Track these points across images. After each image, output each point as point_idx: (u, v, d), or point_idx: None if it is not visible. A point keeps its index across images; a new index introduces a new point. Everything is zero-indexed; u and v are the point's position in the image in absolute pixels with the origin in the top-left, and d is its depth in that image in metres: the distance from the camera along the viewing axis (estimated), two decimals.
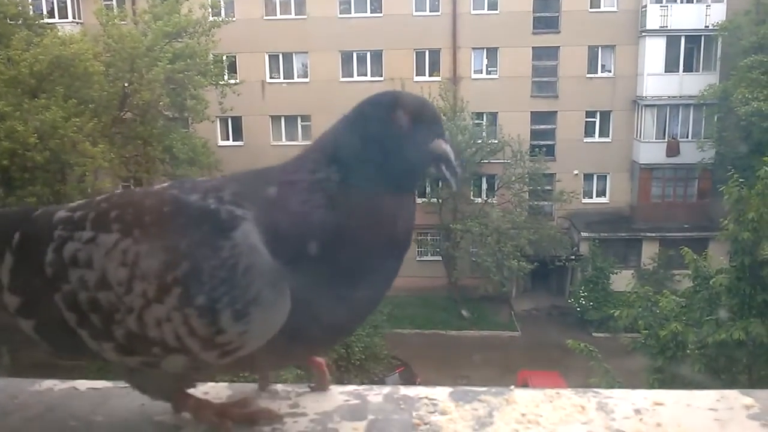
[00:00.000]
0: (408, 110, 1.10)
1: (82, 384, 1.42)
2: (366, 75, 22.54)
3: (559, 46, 22.05)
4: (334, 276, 1.06)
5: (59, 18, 20.59)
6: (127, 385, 1.32)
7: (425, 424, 1.25)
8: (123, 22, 17.37)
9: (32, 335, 1.15)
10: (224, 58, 19.71)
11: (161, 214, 1.08)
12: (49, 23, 18.28)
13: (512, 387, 1.36)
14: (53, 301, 1.10)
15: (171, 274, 1.03)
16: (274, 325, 1.05)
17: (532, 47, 22.11)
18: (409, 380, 16.40)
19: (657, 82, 21.44)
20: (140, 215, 1.09)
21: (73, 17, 21.27)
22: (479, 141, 20.85)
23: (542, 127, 22.51)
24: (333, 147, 1.11)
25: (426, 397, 1.33)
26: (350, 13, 22.28)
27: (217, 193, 1.09)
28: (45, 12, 19.88)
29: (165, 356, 1.08)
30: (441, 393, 1.34)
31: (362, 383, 1.45)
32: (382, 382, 16.18)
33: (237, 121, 22.53)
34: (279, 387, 1.35)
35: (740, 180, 12.63)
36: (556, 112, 22.53)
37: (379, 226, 1.08)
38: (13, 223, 1.20)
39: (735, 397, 1.31)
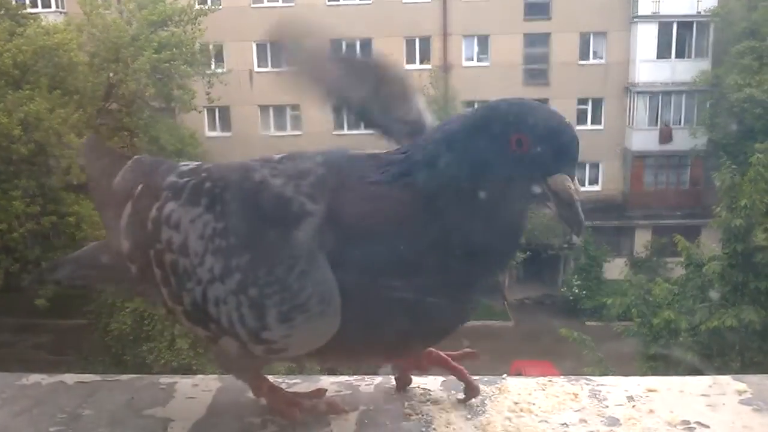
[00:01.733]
0: (531, 130, 1.00)
1: (70, 378, 1.43)
2: None
3: (550, 33, 21.91)
4: (403, 293, 1.03)
5: (42, 8, 20.30)
6: (115, 378, 1.42)
7: (417, 413, 1.26)
8: (107, 11, 17.13)
9: (135, 277, 1.22)
10: (211, 47, 19.50)
11: (242, 195, 1.11)
12: (32, 13, 18.00)
13: (505, 375, 1.37)
14: (148, 255, 1.16)
15: (235, 258, 1.06)
16: (318, 337, 1.05)
17: (524, 34, 21.98)
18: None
19: (649, 68, 21.35)
20: (224, 192, 1.12)
21: (57, 7, 20.96)
22: None
23: None
24: (432, 151, 1.05)
25: (418, 387, 1.34)
26: (339, 0, 22.05)
27: (299, 180, 1.08)
28: (28, 2, 19.58)
29: (221, 336, 1.11)
30: (433, 382, 1.36)
31: (354, 373, 1.45)
32: (373, 372, 16.13)
33: (225, 111, 22.31)
34: (270, 378, 1.34)
35: (733, 167, 12.61)
36: (548, 99, 22.36)
37: (467, 255, 1.03)
38: (142, 174, 1.26)
39: (727, 382, 1.34)
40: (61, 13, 20.63)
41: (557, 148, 1.00)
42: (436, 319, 1.10)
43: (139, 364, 13.57)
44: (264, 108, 22.65)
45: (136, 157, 1.35)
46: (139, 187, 1.24)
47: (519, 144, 0.99)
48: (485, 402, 1.29)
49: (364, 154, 1.19)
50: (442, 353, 1.32)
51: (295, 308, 1.02)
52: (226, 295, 1.06)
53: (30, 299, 13.93)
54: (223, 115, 22.58)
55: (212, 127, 22.54)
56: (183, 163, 1.25)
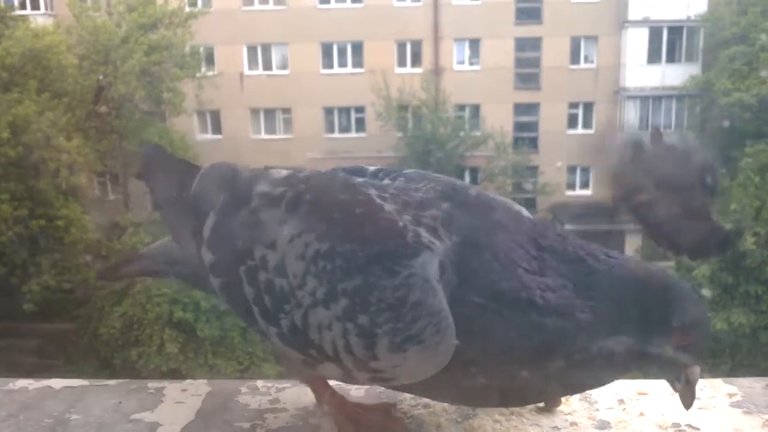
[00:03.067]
0: (696, 327, 1.03)
1: (57, 382, 1.42)
2: (347, 66, 22.30)
3: (541, 37, 21.95)
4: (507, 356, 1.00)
5: (31, 9, 20.14)
6: (103, 382, 1.39)
7: (408, 417, 1.26)
8: (97, 14, 17.08)
9: (218, 292, 1.17)
10: (201, 49, 19.42)
11: (350, 217, 1.05)
12: (21, 15, 17.90)
13: None
14: (238, 271, 1.10)
15: (342, 283, 1.00)
16: (430, 368, 1.00)
17: (515, 38, 22.00)
18: None
19: (640, 72, 21.44)
20: (330, 211, 1.06)
21: (46, 9, 20.81)
22: (462, 133, 20.71)
23: (525, 119, 22.44)
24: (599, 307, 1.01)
25: (414, 397, 1.31)
26: (330, 4, 22.02)
27: (418, 211, 1.04)
28: (16, 3, 19.45)
29: (321, 361, 1.06)
30: None
31: None
32: None
33: (215, 115, 22.22)
34: (259, 383, 1.35)
35: (722, 171, 12.66)
36: (539, 103, 22.46)
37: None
38: (223, 182, 1.20)
39: (718, 385, 1.35)
40: (50, 15, 20.48)
41: (703, 345, 1.04)
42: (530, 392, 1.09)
43: (128, 369, 13.49)
44: (254, 111, 22.58)
45: (212, 163, 1.29)
46: (223, 198, 1.17)
47: (680, 338, 1.02)
48: (479, 410, 1.28)
49: (511, 209, 1.12)
50: None
51: (409, 339, 0.97)
52: (330, 321, 1.01)
53: (18, 303, 13.82)
54: (213, 118, 22.48)
55: (203, 130, 22.43)
56: (274, 170, 1.19)
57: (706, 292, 11.77)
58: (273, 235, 1.07)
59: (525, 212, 1.13)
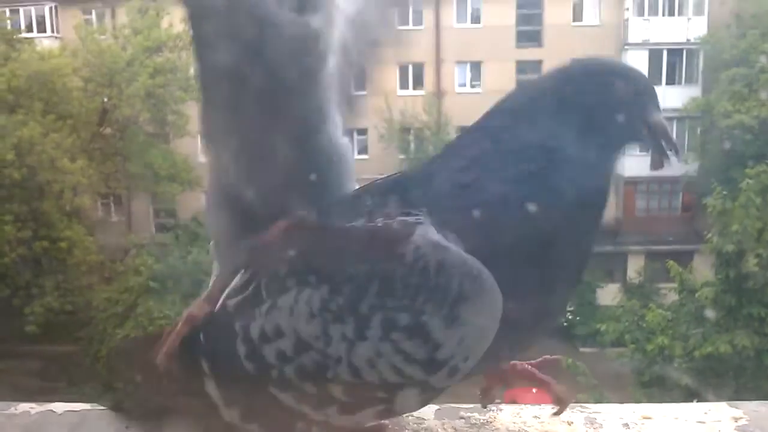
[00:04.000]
0: (627, 80, 1.06)
1: (60, 407, 1.41)
2: None
3: (542, 60, 22.08)
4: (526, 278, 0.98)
5: (38, 32, 20.31)
6: (104, 407, 1.31)
7: None
8: (102, 37, 17.24)
9: (240, 425, 1.09)
10: None
11: (330, 251, 1.02)
12: (27, 38, 18.09)
13: (498, 401, 1.35)
14: (270, 394, 1.03)
15: (363, 303, 0.95)
16: (490, 322, 0.95)
17: (516, 61, 22.15)
18: None
19: None
20: (308, 260, 1.03)
21: (52, 32, 20.99)
22: None
23: None
24: (532, 122, 1.03)
25: (411, 415, 1.30)
26: None
27: (382, 209, 1.02)
28: (23, 27, 19.65)
29: (394, 396, 0.99)
30: (427, 411, 1.32)
31: None
32: None
33: None
34: None
35: (724, 193, 12.67)
36: None
37: (587, 225, 1.04)
38: (197, 340, 1.11)
39: (723, 409, 1.34)
40: (56, 38, 20.67)
41: (646, 88, 1.09)
42: (541, 318, 1.05)
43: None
44: None
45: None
46: (203, 362, 1.10)
47: (621, 92, 1.05)
48: (480, 431, 1.27)
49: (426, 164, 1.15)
50: (526, 364, 1.25)
51: (455, 303, 0.93)
52: (376, 347, 0.95)
53: (20, 325, 13.82)
54: None
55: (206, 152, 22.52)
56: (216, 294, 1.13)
57: (710, 314, 11.71)
58: (273, 324, 1.02)
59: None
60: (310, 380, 1.00)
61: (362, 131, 22.03)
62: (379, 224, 0.99)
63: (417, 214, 0.98)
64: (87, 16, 20.20)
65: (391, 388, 0.98)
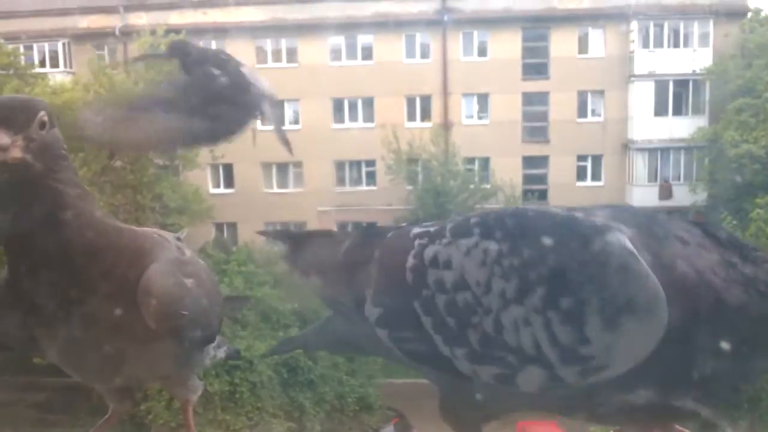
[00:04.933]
0: None
1: None
2: (357, 121, 22.64)
3: (548, 92, 22.26)
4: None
5: (51, 67, 20.70)
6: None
7: None
8: (114, 72, 17.45)
9: (388, 343, 1.16)
10: None
11: (526, 218, 1.06)
12: (40, 72, 18.37)
13: None
14: (412, 307, 1.09)
15: (534, 271, 0.97)
16: (645, 344, 0.92)
17: (522, 93, 22.32)
18: (405, 431, 15.99)
19: (647, 125, 21.61)
20: (502, 220, 1.08)
21: (65, 66, 21.38)
22: (471, 186, 20.83)
23: (534, 171, 22.55)
24: None
25: None
26: (341, 61, 22.50)
27: (587, 213, 1.03)
28: (36, 62, 20.00)
29: (521, 368, 1.00)
30: None
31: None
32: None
33: (228, 169, 22.48)
34: None
35: (733, 222, 12.60)
36: (548, 156, 22.62)
37: None
38: (372, 242, 1.23)
39: None
40: (68, 72, 21.03)
41: None
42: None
43: (137, 424, 13.33)
44: (267, 165, 22.82)
45: (350, 242, 1.32)
46: (378, 252, 1.22)
47: None
48: None
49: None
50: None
51: (620, 310, 0.91)
52: (527, 315, 0.97)
53: (27, 357, 13.77)
54: (226, 172, 22.74)
55: (216, 184, 22.67)
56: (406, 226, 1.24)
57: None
58: (447, 255, 1.07)
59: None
60: (454, 316, 1.04)
61: (371, 162, 22.17)
62: (579, 215, 1.02)
63: (622, 228, 0.99)
64: (99, 52, 20.58)
65: (523, 358, 0.99)
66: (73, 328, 1.27)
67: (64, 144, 1.30)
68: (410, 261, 1.12)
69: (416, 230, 1.18)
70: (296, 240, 1.41)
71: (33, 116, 1.24)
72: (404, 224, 1.30)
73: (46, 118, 1.24)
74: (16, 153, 1.17)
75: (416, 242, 1.14)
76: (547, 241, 0.98)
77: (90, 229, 1.26)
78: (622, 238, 0.95)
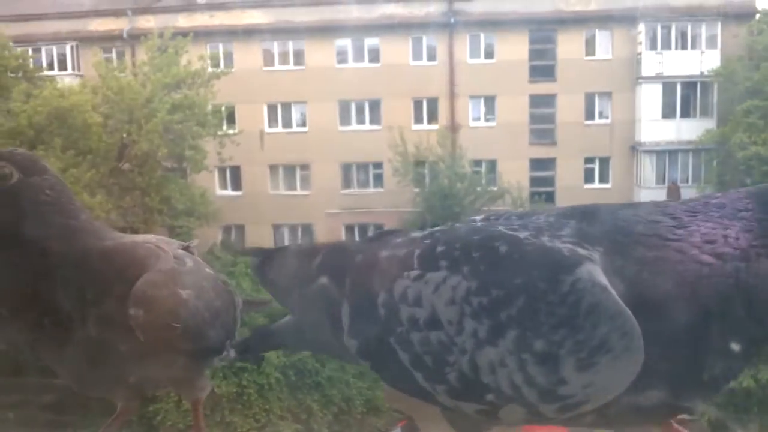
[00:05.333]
0: None
1: None
2: (364, 123, 22.68)
3: (556, 94, 22.23)
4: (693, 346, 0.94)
5: (59, 70, 20.80)
6: None
7: None
8: (122, 74, 17.54)
9: (373, 367, 1.15)
10: (223, 108, 19.85)
11: (492, 250, 1.01)
12: (48, 75, 18.48)
13: None
14: (389, 343, 1.07)
15: (504, 312, 0.95)
16: (623, 379, 0.92)
17: (529, 95, 22.30)
18: None
19: (655, 127, 21.56)
20: (468, 251, 1.03)
21: (73, 69, 21.48)
22: (478, 188, 20.82)
23: (542, 174, 22.53)
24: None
25: None
26: (348, 63, 22.54)
27: (552, 232, 1.00)
28: (45, 65, 20.12)
29: (501, 405, 1.00)
30: None
31: None
32: None
33: (235, 171, 22.53)
34: None
35: None
36: (555, 158, 22.59)
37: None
38: (342, 267, 1.18)
39: None
40: (76, 75, 21.13)
41: None
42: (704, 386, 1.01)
43: (145, 426, 13.37)
44: (274, 168, 22.90)
45: (324, 251, 1.27)
46: (348, 282, 1.17)
47: None
48: None
49: (613, 205, 1.09)
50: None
51: (595, 350, 0.90)
52: (502, 357, 0.95)
53: (36, 359, 13.83)
54: (233, 175, 22.80)
55: (223, 186, 22.73)
56: (390, 236, 1.20)
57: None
58: (415, 292, 1.04)
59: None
60: (430, 354, 1.02)
61: (378, 165, 22.19)
62: (549, 243, 0.98)
63: (590, 250, 0.96)
64: (107, 55, 20.67)
65: (502, 397, 0.98)
66: (69, 343, 1.28)
67: (47, 190, 1.26)
68: (381, 297, 1.08)
69: (384, 253, 1.12)
70: (265, 254, 1.38)
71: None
72: (373, 237, 1.24)
73: (7, 170, 1.22)
74: None
75: (385, 272, 1.10)
76: (516, 280, 0.95)
77: (76, 249, 1.25)
78: (592, 271, 0.93)
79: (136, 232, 19.30)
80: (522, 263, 0.97)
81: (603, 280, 0.92)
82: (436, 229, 1.16)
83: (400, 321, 1.05)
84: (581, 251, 0.95)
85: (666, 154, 21.85)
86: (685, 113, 21.73)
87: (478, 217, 1.17)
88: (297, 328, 1.36)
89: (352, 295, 1.14)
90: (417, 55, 22.53)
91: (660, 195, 21.71)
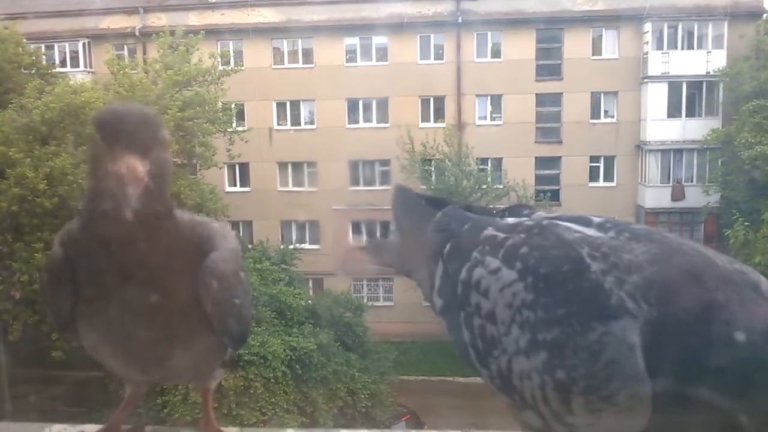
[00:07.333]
0: None
1: (91, 428, 1.46)
2: (372, 122, 22.84)
3: (562, 93, 22.31)
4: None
5: (71, 67, 21.06)
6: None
7: None
8: (134, 71, 17.68)
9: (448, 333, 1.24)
10: (233, 106, 19.95)
11: (556, 272, 1.06)
12: (61, 72, 18.67)
13: None
14: (459, 315, 1.17)
15: (542, 334, 1.02)
16: (626, 429, 0.99)
17: (536, 94, 22.39)
18: (416, 428, 16.13)
19: (660, 127, 21.60)
20: (539, 263, 1.08)
21: (85, 66, 21.72)
22: (484, 186, 20.95)
23: (547, 172, 22.62)
24: None
25: None
26: (356, 62, 22.69)
27: (623, 275, 1.01)
28: (57, 61, 20.35)
29: (523, 408, 1.09)
30: None
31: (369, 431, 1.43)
32: (388, 429, 16.00)
33: (244, 168, 22.74)
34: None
35: (746, 224, 12.61)
36: (561, 157, 22.67)
37: None
38: (449, 233, 1.28)
39: None
40: (89, 72, 21.37)
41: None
42: None
43: (153, 418, 13.51)
44: (282, 164, 23.10)
45: (447, 207, 1.36)
46: (448, 246, 1.25)
47: None
48: None
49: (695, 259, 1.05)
50: None
51: (603, 399, 0.96)
52: (530, 371, 1.03)
53: (47, 351, 14.02)
54: (242, 171, 23.01)
55: (232, 183, 22.95)
56: (504, 218, 1.27)
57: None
58: (486, 285, 1.12)
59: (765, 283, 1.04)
60: (483, 341, 1.12)
61: (385, 162, 22.34)
62: (606, 285, 1.00)
63: (644, 306, 0.98)
64: (119, 52, 20.89)
65: (524, 402, 1.07)
66: (125, 310, 1.27)
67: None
68: (463, 273, 1.17)
69: (486, 232, 1.19)
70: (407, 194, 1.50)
71: (158, 136, 1.21)
72: (487, 211, 1.35)
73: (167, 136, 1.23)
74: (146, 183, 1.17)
75: (474, 254, 1.17)
76: (560, 310, 1.02)
77: (164, 217, 1.26)
78: (627, 328, 0.97)
79: None
80: (572, 296, 1.02)
81: (634, 339, 0.96)
82: (544, 219, 1.20)
83: (469, 303, 1.15)
84: (629, 304, 0.98)
85: (671, 153, 21.89)
86: (691, 113, 21.76)
87: (597, 219, 1.17)
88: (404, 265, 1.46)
89: (446, 261, 1.25)
90: (425, 54, 22.67)
91: (665, 194, 21.77)
